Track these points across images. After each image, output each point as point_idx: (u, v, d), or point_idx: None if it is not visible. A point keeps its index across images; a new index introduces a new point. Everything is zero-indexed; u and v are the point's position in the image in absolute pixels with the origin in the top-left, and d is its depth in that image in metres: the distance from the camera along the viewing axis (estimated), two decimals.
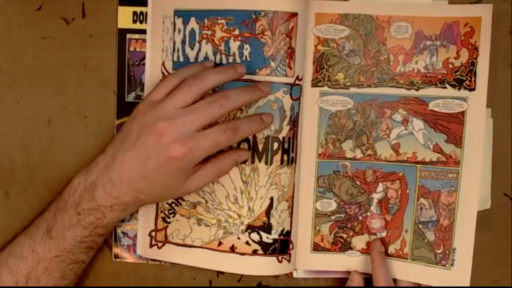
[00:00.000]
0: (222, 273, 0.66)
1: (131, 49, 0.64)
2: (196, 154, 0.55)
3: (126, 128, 0.58)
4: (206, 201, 0.63)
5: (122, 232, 0.65)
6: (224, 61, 0.62)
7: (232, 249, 0.63)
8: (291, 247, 0.63)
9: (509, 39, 0.64)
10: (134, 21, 0.63)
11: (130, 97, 0.64)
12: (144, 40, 0.64)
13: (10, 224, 0.63)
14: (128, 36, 0.64)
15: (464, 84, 0.63)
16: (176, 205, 0.64)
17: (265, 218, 0.62)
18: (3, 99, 0.64)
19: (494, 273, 0.66)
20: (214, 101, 0.56)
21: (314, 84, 0.63)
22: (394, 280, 0.64)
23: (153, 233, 0.64)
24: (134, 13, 0.63)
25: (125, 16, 0.63)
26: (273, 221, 0.62)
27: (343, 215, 0.65)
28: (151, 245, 0.64)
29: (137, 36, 0.63)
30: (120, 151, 0.57)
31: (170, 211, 0.64)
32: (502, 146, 0.65)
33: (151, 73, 0.63)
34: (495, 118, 0.64)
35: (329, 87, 0.64)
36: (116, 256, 0.65)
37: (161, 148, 0.54)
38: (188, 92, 0.56)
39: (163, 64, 0.63)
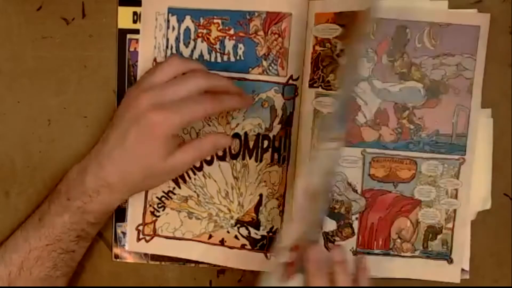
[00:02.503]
0: (222, 273, 0.66)
1: (131, 49, 0.64)
2: (175, 120, 0.55)
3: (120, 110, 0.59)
4: (198, 195, 0.64)
5: (122, 232, 0.65)
6: (219, 60, 0.63)
7: (222, 243, 0.64)
8: None
9: (509, 39, 0.64)
10: (134, 21, 0.63)
11: None
12: None
13: (9, 224, 0.63)
14: (128, 36, 0.64)
15: None
16: (166, 198, 0.64)
17: (253, 214, 0.63)
18: (3, 99, 0.64)
19: (494, 273, 0.66)
20: None
21: (311, 85, 0.63)
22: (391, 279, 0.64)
23: (140, 227, 0.64)
24: (134, 13, 0.63)
25: (125, 16, 0.64)
26: (261, 217, 0.63)
27: None
28: (139, 239, 0.65)
29: (137, 36, 0.64)
30: (106, 133, 0.59)
31: (159, 205, 0.64)
32: (502, 146, 0.65)
33: (143, 70, 0.63)
34: (495, 118, 0.64)
35: (322, 88, 0.63)
36: (116, 256, 0.65)
37: (139, 116, 0.55)
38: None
39: (155, 60, 0.63)
